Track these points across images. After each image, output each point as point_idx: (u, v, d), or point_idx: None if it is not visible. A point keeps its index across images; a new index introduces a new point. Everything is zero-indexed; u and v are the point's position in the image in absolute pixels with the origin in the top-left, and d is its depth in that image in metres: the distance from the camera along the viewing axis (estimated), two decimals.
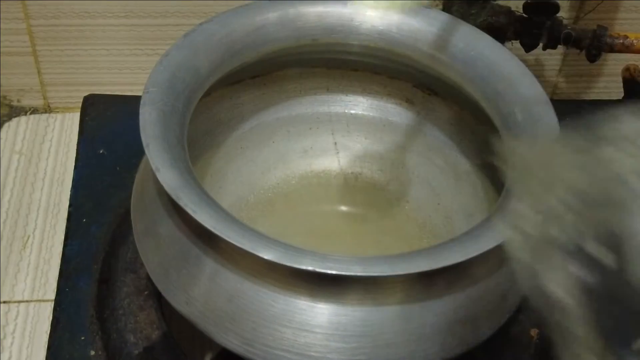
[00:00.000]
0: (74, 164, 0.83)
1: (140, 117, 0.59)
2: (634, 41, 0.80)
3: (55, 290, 0.73)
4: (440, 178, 0.76)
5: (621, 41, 0.79)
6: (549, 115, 0.63)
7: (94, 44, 0.90)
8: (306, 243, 0.54)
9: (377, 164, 0.78)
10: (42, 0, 0.87)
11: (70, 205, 0.79)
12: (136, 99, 0.60)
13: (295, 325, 0.55)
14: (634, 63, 0.89)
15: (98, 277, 0.73)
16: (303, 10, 0.69)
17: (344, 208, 0.74)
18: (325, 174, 0.78)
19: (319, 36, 0.70)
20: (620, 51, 0.80)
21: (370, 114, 0.79)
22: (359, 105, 0.79)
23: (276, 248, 0.53)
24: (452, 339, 0.57)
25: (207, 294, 0.57)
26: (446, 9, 0.80)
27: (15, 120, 0.94)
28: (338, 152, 0.79)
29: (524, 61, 0.68)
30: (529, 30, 0.79)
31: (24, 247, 0.82)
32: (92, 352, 0.68)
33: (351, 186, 0.77)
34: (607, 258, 0.38)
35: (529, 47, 0.80)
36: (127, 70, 0.93)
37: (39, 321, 0.77)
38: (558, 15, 0.79)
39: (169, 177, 0.55)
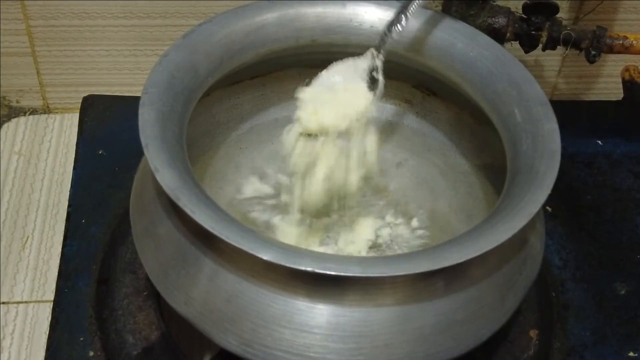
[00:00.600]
0: (73, 164, 0.83)
1: (140, 117, 0.59)
2: (634, 42, 0.80)
3: (54, 290, 0.73)
4: (439, 179, 0.76)
5: (620, 42, 0.79)
6: (548, 115, 0.63)
7: (93, 44, 0.90)
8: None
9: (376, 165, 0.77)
10: (41, 0, 0.87)
11: (69, 206, 0.79)
12: (135, 100, 0.60)
13: (294, 325, 0.55)
14: (634, 64, 0.89)
15: (97, 277, 0.73)
16: (302, 11, 0.69)
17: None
18: None
19: (318, 37, 0.70)
20: (619, 52, 0.80)
21: (369, 114, 0.79)
22: None
23: (275, 248, 0.53)
24: (451, 339, 0.57)
25: (206, 295, 0.56)
26: (445, 9, 0.80)
27: (14, 120, 0.94)
28: None
29: (524, 62, 0.68)
30: (529, 31, 0.79)
31: (23, 248, 0.82)
32: (91, 353, 0.68)
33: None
34: None
35: (528, 47, 0.80)
36: (126, 70, 0.93)
37: (38, 322, 0.77)
38: (557, 16, 0.79)
39: (167, 178, 0.55)
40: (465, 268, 0.56)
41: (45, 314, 0.77)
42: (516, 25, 0.79)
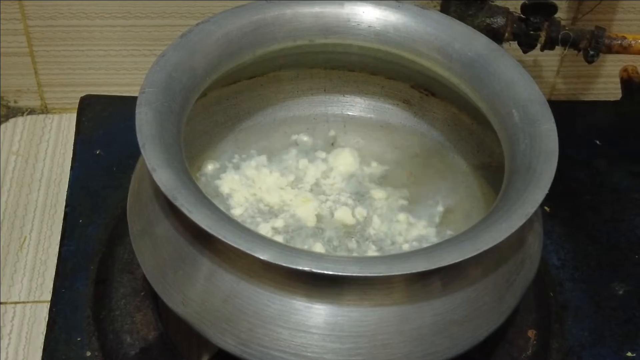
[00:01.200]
0: (70, 164, 0.82)
1: (137, 117, 0.59)
2: (632, 42, 0.80)
3: (52, 291, 0.73)
4: (437, 179, 0.76)
5: (619, 42, 0.79)
6: (546, 116, 0.63)
7: (91, 44, 0.90)
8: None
9: (374, 165, 0.77)
10: (39, 0, 0.87)
11: (66, 206, 0.79)
12: (133, 100, 0.60)
13: (292, 325, 0.55)
14: (632, 64, 0.89)
15: (94, 277, 0.73)
16: (300, 11, 0.69)
17: (340, 207, 0.74)
18: None
19: (315, 37, 0.70)
20: (618, 52, 0.80)
21: (368, 114, 0.79)
22: (356, 106, 0.79)
23: (272, 248, 0.53)
24: (449, 339, 0.57)
25: (203, 295, 0.56)
26: (444, 9, 0.80)
27: (12, 121, 0.94)
28: None
29: (522, 62, 0.68)
30: (527, 31, 0.79)
31: (21, 248, 0.82)
32: (89, 353, 0.68)
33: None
34: None
35: (526, 48, 0.80)
36: (124, 71, 0.93)
37: (35, 322, 0.77)
38: (556, 16, 0.79)
39: (165, 178, 0.55)
40: (463, 268, 0.56)
41: (43, 314, 0.77)
42: (515, 25, 0.79)
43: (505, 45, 0.80)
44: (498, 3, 0.80)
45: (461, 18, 0.77)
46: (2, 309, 0.78)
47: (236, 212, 0.71)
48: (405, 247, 0.70)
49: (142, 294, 0.70)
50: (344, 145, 0.78)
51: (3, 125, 0.93)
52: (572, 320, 0.74)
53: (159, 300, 0.68)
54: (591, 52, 0.79)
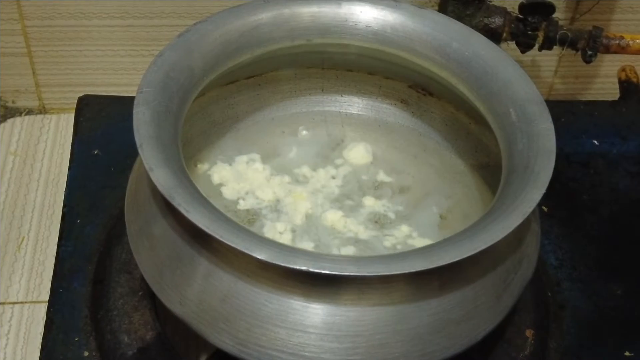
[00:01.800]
0: (68, 164, 0.82)
1: (134, 117, 0.59)
2: (630, 42, 0.80)
3: (50, 291, 0.73)
4: (435, 178, 0.76)
5: (617, 42, 0.80)
6: (544, 115, 0.63)
7: (89, 44, 0.90)
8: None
9: (372, 165, 0.77)
10: (37, 0, 0.87)
11: (64, 206, 0.79)
12: (131, 100, 0.60)
13: (289, 325, 0.55)
14: (630, 64, 0.89)
15: (92, 277, 0.73)
16: (297, 10, 0.69)
17: (339, 207, 0.74)
18: None
19: (313, 36, 0.70)
20: (616, 52, 0.80)
21: (365, 114, 0.79)
22: (353, 105, 0.79)
23: (270, 248, 0.53)
24: (446, 339, 0.57)
25: (201, 294, 0.56)
26: (442, 9, 0.80)
27: (10, 121, 0.94)
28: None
29: (520, 62, 0.68)
30: (525, 31, 0.79)
31: (19, 249, 0.82)
32: (86, 353, 0.68)
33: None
34: None
35: (524, 47, 0.80)
36: (122, 71, 0.93)
37: (33, 322, 0.77)
38: (554, 16, 0.79)
39: (162, 177, 0.55)
40: (460, 267, 0.56)
41: (40, 314, 0.77)
42: (512, 25, 0.79)
43: (503, 45, 0.80)
44: (496, 3, 0.80)
45: (459, 18, 0.77)
46: (0, 309, 0.78)
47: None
48: (400, 247, 0.70)
49: (140, 293, 0.70)
50: (343, 145, 0.78)
51: (1, 126, 0.93)
52: (570, 320, 0.74)
53: (156, 300, 0.68)
54: (589, 52, 0.79)
